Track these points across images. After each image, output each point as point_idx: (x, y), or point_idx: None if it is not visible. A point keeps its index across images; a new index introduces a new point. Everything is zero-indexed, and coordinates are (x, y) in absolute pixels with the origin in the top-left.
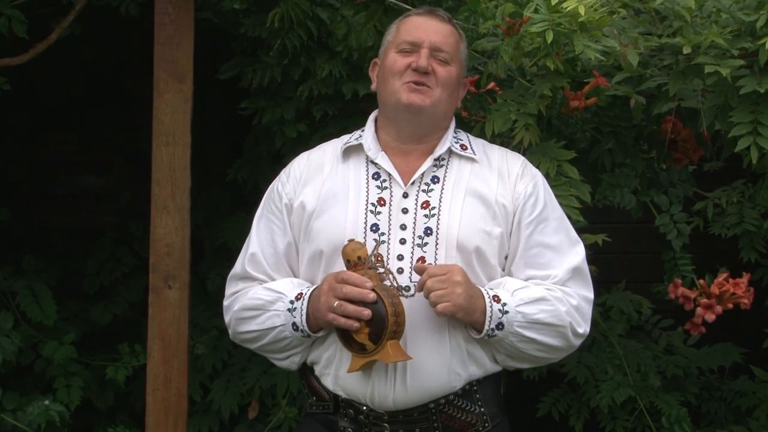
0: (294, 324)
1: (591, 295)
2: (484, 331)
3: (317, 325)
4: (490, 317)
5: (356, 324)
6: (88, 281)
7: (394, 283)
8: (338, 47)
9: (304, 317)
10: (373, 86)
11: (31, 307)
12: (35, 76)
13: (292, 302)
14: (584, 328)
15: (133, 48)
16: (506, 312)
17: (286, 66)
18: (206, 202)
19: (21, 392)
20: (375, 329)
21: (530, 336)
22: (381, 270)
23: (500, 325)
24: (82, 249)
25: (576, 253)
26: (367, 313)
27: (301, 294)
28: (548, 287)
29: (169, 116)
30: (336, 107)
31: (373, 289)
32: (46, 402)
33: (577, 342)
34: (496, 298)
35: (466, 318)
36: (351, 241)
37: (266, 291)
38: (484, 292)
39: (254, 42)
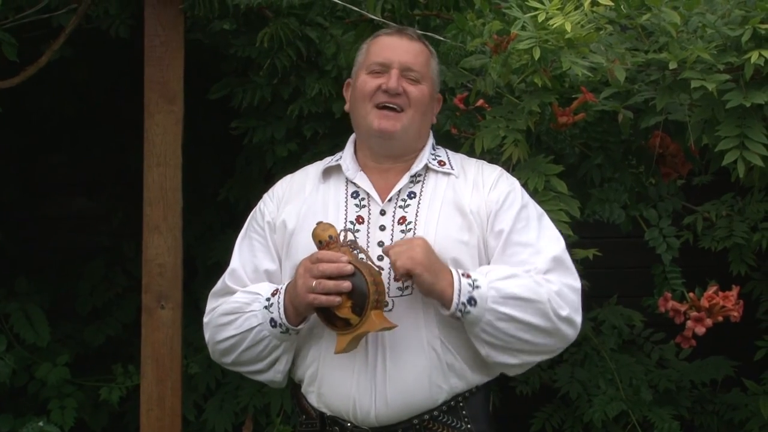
0: (272, 320)
1: (576, 283)
2: (454, 305)
3: (297, 316)
4: (459, 290)
5: (337, 299)
6: (81, 302)
7: (370, 262)
8: (328, 66)
9: (281, 310)
10: (347, 107)
11: (25, 328)
12: (26, 98)
13: (268, 299)
14: (567, 311)
15: (124, 70)
16: (478, 287)
17: (276, 85)
18: (198, 221)
19: (15, 414)
20: (357, 301)
21: (508, 312)
22: (356, 250)
23: (472, 300)
24: (74, 270)
25: (555, 246)
26: (346, 285)
27: (277, 290)
28: (526, 271)
29: (160, 137)
30: (326, 126)
31: (349, 262)
32: (41, 424)
33: (564, 326)
34: (466, 275)
35: (431, 284)
36: (320, 222)
37: (243, 294)
38: (452, 269)
39: (244, 62)
